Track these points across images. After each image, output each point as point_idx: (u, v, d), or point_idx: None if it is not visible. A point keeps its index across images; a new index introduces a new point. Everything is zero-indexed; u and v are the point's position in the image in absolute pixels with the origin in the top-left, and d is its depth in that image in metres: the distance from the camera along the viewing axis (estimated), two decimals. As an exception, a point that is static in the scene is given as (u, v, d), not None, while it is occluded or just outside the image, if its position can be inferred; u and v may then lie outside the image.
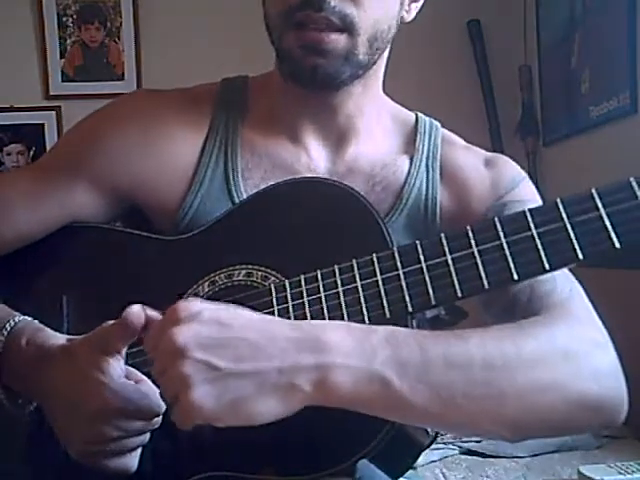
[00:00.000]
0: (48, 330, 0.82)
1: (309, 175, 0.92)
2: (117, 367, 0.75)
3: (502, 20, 2.86)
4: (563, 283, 0.83)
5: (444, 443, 2.00)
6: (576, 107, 2.43)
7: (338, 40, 0.85)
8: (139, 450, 0.77)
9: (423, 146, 0.98)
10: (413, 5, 0.94)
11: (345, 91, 0.92)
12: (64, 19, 2.87)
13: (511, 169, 0.98)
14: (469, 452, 1.96)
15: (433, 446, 1.05)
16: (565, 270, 0.84)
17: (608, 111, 2.21)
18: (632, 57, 2.06)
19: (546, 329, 0.74)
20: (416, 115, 1.03)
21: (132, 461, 0.77)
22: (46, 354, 0.79)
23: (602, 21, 2.25)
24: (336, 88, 0.90)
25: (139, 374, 0.78)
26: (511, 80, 2.84)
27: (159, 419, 0.77)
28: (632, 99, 2.06)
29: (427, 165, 0.97)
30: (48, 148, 2.83)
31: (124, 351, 0.76)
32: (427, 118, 1.03)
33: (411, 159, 0.97)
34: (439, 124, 1.03)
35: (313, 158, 0.95)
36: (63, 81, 2.88)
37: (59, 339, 0.80)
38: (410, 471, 1.01)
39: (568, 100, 2.50)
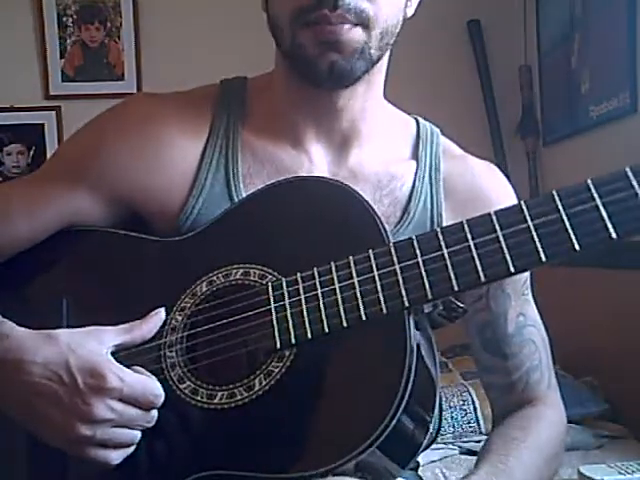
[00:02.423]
0: (8, 322, 0.81)
1: (304, 174, 0.92)
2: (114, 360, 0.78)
3: (502, 20, 2.86)
4: (546, 372, 1.00)
5: (444, 443, 2.00)
6: (576, 107, 2.43)
7: (354, 33, 0.84)
8: (126, 451, 0.77)
9: (425, 156, 0.99)
10: (414, 0, 0.94)
11: (351, 90, 0.91)
12: (64, 19, 2.87)
13: (505, 182, 1.03)
14: (469, 452, 1.96)
15: (433, 446, 1.05)
16: (548, 355, 1.00)
17: (608, 111, 2.21)
18: (632, 57, 2.06)
19: (540, 454, 0.92)
20: (416, 120, 1.03)
21: (115, 456, 0.77)
22: (11, 345, 0.78)
23: (602, 21, 2.25)
24: (348, 85, 0.90)
25: (142, 369, 0.79)
26: (511, 80, 2.84)
27: (154, 415, 0.78)
28: (632, 99, 2.06)
29: (430, 177, 0.98)
30: (48, 148, 2.84)
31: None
32: (427, 124, 1.03)
33: (415, 170, 0.98)
34: (439, 131, 1.03)
35: (315, 163, 0.94)
36: (63, 81, 2.88)
37: (19, 329, 0.80)
38: (409, 471, 1.01)
39: (568, 100, 2.50)
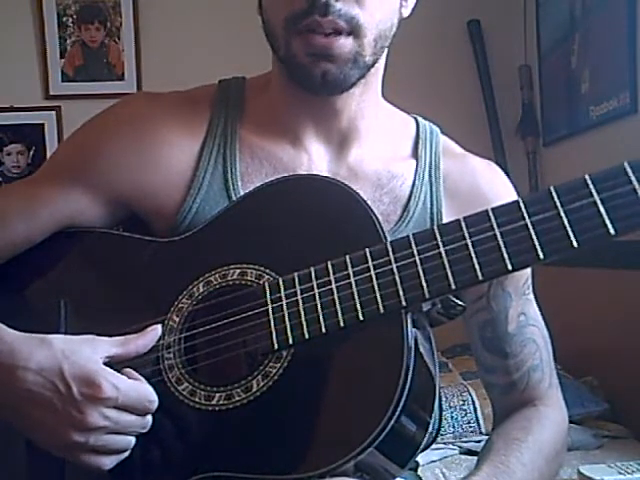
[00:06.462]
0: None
1: (301, 173, 0.92)
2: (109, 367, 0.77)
3: (502, 20, 2.86)
4: (547, 371, 1.00)
5: (444, 443, 2.00)
6: (576, 107, 2.43)
7: (345, 44, 0.84)
8: (120, 456, 0.77)
9: (425, 154, 0.99)
10: (410, 0, 0.94)
11: (347, 94, 0.91)
12: (64, 19, 2.87)
13: (506, 181, 1.03)
14: (469, 452, 1.96)
15: (433, 446, 1.05)
16: (549, 354, 1.00)
17: (608, 111, 2.20)
18: (632, 57, 2.06)
19: (541, 454, 0.92)
20: (416, 119, 1.03)
21: (108, 461, 0.76)
22: (2, 348, 0.77)
23: (602, 21, 2.24)
24: (344, 91, 0.90)
25: (135, 373, 0.79)
26: (511, 80, 2.84)
27: (149, 420, 0.78)
28: (632, 99, 2.06)
29: (430, 176, 0.98)
30: (48, 148, 2.84)
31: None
32: (426, 123, 1.03)
33: (415, 168, 0.98)
34: (438, 130, 1.03)
35: (315, 161, 0.94)
36: (63, 81, 2.88)
37: (9, 331, 0.79)
38: (409, 471, 1.01)
39: (568, 100, 2.50)
